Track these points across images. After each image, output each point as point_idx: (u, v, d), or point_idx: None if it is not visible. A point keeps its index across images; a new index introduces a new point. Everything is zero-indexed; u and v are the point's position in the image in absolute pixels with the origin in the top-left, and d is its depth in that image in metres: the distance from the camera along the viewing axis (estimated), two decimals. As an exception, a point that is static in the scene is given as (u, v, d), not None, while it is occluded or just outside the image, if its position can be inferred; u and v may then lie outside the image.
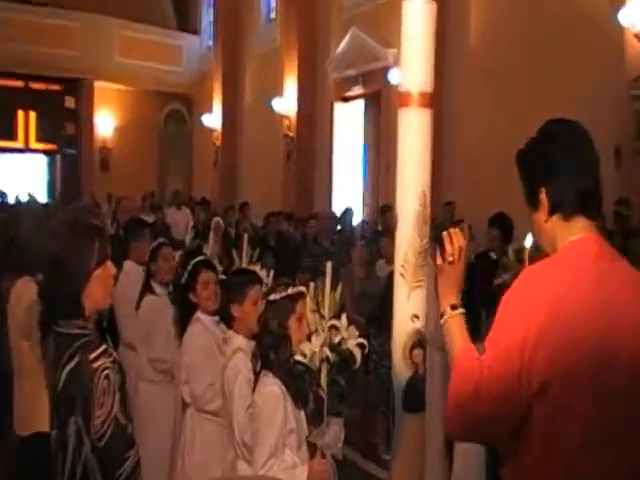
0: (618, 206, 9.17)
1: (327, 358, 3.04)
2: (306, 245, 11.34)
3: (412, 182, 2.80)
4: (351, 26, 16.08)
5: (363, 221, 13.74)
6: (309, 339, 3.23)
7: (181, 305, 4.83)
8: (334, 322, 3.10)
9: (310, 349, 3.10)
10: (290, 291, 3.47)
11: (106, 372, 2.78)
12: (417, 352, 2.91)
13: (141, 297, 5.62)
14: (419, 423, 3.04)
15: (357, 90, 16.30)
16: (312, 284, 3.36)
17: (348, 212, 13.81)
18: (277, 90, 18.48)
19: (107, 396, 2.76)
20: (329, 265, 3.17)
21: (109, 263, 2.85)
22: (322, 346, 3.03)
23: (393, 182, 10.45)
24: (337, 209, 15.17)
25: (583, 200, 2.26)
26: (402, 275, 2.87)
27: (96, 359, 2.78)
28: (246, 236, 6.11)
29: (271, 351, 3.41)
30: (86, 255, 2.75)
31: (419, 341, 2.92)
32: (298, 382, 3.31)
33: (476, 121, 11.67)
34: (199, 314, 4.73)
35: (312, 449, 3.33)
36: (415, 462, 3.06)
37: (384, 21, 14.95)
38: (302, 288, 3.50)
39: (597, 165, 2.29)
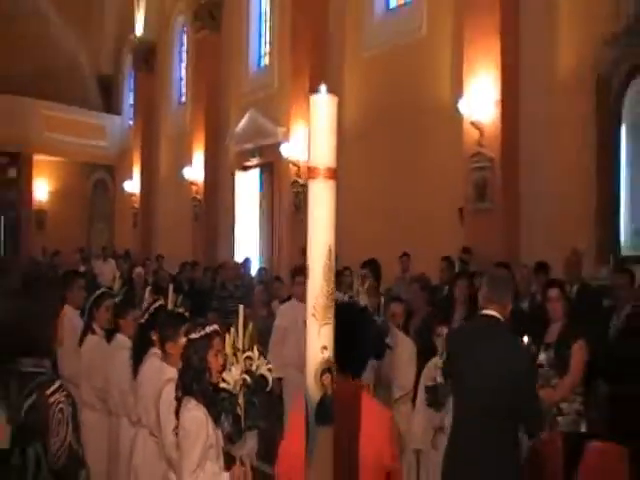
0: (462, 254, 9.54)
1: (245, 382, 3.08)
2: (215, 290, 11.27)
3: (320, 240, 2.84)
4: (249, 108, 16.23)
5: (261, 268, 13.74)
6: (224, 369, 3.30)
7: (141, 342, 4.70)
8: (249, 354, 3.16)
9: (232, 377, 3.14)
10: (208, 330, 3.46)
11: (60, 406, 2.77)
12: (326, 376, 2.93)
13: (83, 336, 5.46)
14: (329, 435, 3.05)
15: (254, 161, 16.43)
16: (234, 325, 3.39)
17: (247, 261, 13.82)
18: (187, 161, 18.41)
19: (61, 426, 2.75)
20: (241, 308, 3.22)
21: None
22: (241, 373, 3.09)
23: (285, 233, 10.60)
24: (238, 259, 15.17)
25: None
26: (314, 315, 2.90)
27: (51, 394, 2.76)
28: (171, 286, 6.07)
29: (194, 381, 3.40)
30: (53, 303, 2.73)
31: (328, 368, 2.94)
32: (219, 405, 3.32)
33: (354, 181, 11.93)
34: (155, 350, 4.63)
35: (232, 459, 3.35)
36: (325, 467, 3.06)
37: (276, 105, 15.21)
38: (216, 326, 3.52)
39: None
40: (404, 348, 5.96)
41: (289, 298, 7.92)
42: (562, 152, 9.19)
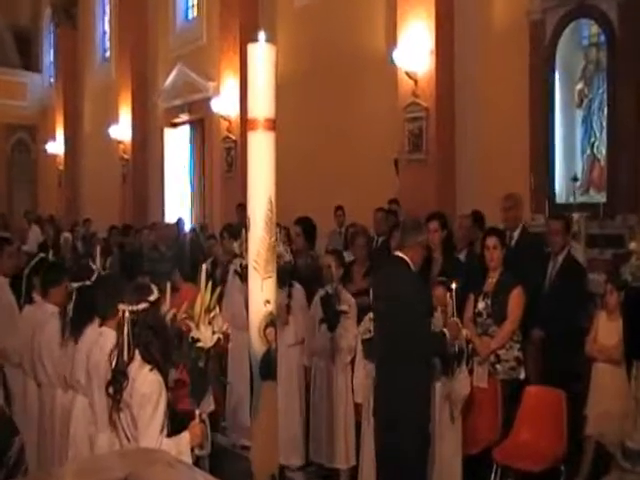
0: (390, 205, 9.70)
1: (219, 341, 3.15)
2: (144, 251, 11.13)
3: (261, 191, 2.89)
4: (177, 63, 15.94)
5: (192, 229, 13.65)
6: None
7: (82, 307, 4.62)
8: (215, 313, 3.23)
9: (204, 336, 3.22)
10: (152, 297, 3.46)
11: None
12: (270, 330, 3.00)
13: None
14: (273, 388, 3.12)
15: (184, 117, 16.20)
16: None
17: (180, 222, 13.70)
18: (113, 119, 18.02)
19: None
20: (204, 267, 3.26)
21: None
22: (213, 333, 3.17)
23: (217, 191, 10.56)
24: (169, 219, 15.04)
25: None
26: (255, 269, 2.95)
27: None
28: (99, 247, 6.00)
29: (153, 347, 3.40)
30: None
31: (271, 321, 3.00)
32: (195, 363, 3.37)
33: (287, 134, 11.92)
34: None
35: (188, 417, 3.39)
36: (271, 420, 3.14)
37: (205, 58, 14.97)
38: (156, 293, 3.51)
39: None
40: (351, 309, 6.05)
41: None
42: (497, 101, 9.35)
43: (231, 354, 6.57)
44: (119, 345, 3.42)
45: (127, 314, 3.39)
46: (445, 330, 4.77)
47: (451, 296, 4.96)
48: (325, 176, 11.82)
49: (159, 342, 3.40)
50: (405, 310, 4.55)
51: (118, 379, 3.41)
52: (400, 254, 4.77)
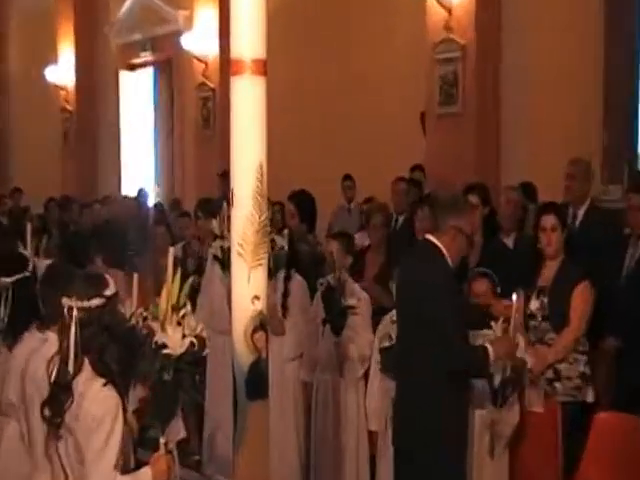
0: (413, 173, 9.72)
1: (192, 347, 3.18)
2: (97, 233, 11.16)
3: (248, 155, 2.92)
4: (135, -14, 15.93)
5: (157, 204, 13.66)
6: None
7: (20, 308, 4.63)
8: (185, 311, 3.25)
9: (172, 340, 3.23)
10: (109, 291, 3.48)
11: None
12: (259, 335, 3.04)
13: None
14: (263, 409, 3.17)
15: (145, 57, 16.14)
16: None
17: (142, 194, 13.71)
18: (51, 58, 17.96)
19: None
20: (171, 251, 3.28)
21: None
22: (183, 336, 3.19)
23: (191, 155, 10.55)
24: (128, 191, 15.06)
25: None
26: (240, 255, 2.99)
27: None
28: (29, 225, 6.02)
29: (109, 354, 3.42)
30: None
31: (261, 323, 3.04)
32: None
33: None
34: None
35: (152, 446, 3.43)
36: (260, 454, 3.19)
37: (174, -21, 14.93)
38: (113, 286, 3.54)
39: None
40: (362, 304, 6.08)
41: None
42: (557, 33, 9.26)
43: (209, 365, 6.57)
44: (62, 352, 3.42)
45: (75, 312, 3.38)
46: (488, 345, 4.69)
47: (517, 303, 4.94)
48: (330, 136, 11.81)
49: (117, 348, 3.41)
50: (432, 313, 4.58)
51: (58, 396, 3.40)
52: (432, 238, 4.77)
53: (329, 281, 6.04)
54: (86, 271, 3.99)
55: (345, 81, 11.67)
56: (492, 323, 5.04)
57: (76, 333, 3.38)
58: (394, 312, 5.44)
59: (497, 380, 4.95)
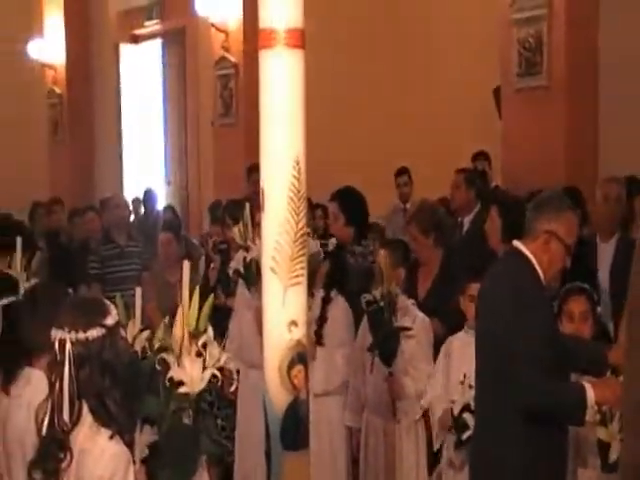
0: (475, 162, 9.76)
1: (214, 382, 3.17)
2: (90, 246, 11.27)
3: (282, 147, 2.93)
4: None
5: (167, 207, 13.74)
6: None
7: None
8: (205, 339, 3.24)
9: (190, 376, 3.23)
10: (110, 320, 3.48)
11: None
12: (298, 370, 3.03)
13: None
14: (303, 464, 3.17)
15: (151, 26, 16.31)
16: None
17: (150, 195, 13.79)
18: (35, 29, 18.13)
19: None
20: (186, 265, 3.28)
21: None
22: (203, 369, 3.18)
23: (208, 147, 10.59)
24: (131, 192, 15.14)
25: None
26: (273, 270, 2.99)
27: None
28: (20, 240, 6.09)
29: (111, 398, 3.44)
30: None
31: (300, 356, 3.04)
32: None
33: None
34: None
35: None
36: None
37: None
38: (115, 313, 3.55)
39: None
40: (420, 326, 6.14)
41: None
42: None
43: (240, 405, 6.59)
44: (54, 396, 3.43)
45: (68, 346, 3.39)
46: (587, 385, 4.55)
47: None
48: (381, 123, 11.82)
49: (120, 390, 3.44)
50: (507, 338, 4.54)
51: (51, 454, 3.40)
52: (519, 246, 4.76)
53: (375, 297, 6.04)
54: (80, 295, 3.97)
55: (398, 54, 11.68)
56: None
57: (71, 373, 3.38)
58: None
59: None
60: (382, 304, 5.94)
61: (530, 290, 4.65)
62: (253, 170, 10.96)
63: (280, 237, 2.95)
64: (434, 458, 5.99)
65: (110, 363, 3.43)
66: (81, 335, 3.40)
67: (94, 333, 3.41)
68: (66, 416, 3.39)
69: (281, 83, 2.89)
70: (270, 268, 2.98)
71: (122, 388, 3.44)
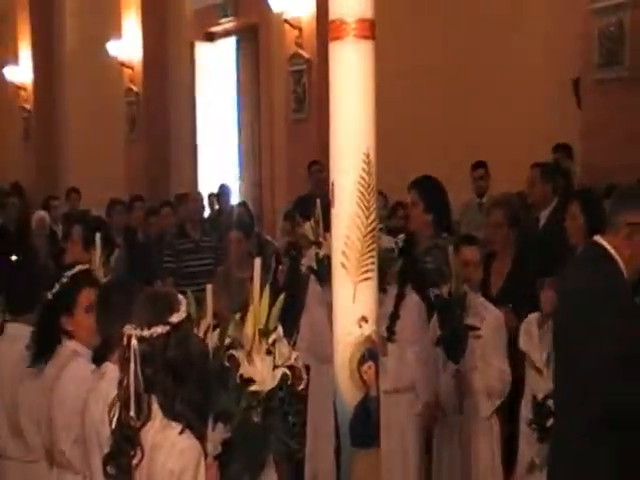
0: (555, 153, 9.61)
1: (286, 380, 3.17)
2: (165, 240, 11.36)
3: (351, 139, 2.89)
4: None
5: (240, 203, 13.77)
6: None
7: (45, 333, 4.81)
8: (275, 336, 3.23)
9: (260, 373, 3.22)
10: (176, 317, 3.45)
11: None
12: (368, 366, 3.00)
13: None
14: (373, 462, 3.13)
15: (226, 23, 16.36)
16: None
17: (224, 190, 13.82)
18: (114, 29, 18.29)
19: None
20: (257, 262, 3.26)
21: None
22: (276, 367, 3.18)
23: (282, 143, 10.58)
24: (205, 189, 15.19)
25: None
26: (343, 266, 2.96)
27: None
28: (98, 236, 6.16)
29: (179, 396, 3.43)
30: None
31: (370, 351, 3.00)
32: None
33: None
34: (76, 346, 4.70)
35: None
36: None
37: None
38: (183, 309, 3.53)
39: None
40: (491, 325, 6.04)
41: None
42: None
43: (311, 402, 6.57)
44: (122, 393, 3.45)
45: (134, 342, 3.39)
46: None
47: None
48: (456, 114, 11.72)
49: (187, 388, 3.42)
50: (588, 338, 4.42)
51: (123, 450, 3.43)
52: (600, 240, 4.58)
53: (442, 293, 6.02)
54: (153, 290, 3.95)
55: (474, 44, 11.56)
56: None
57: (136, 370, 3.38)
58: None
59: None
60: (451, 300, 5.92)
61: (615, 288, 4.50)
62: (316, 165, 11.04)
63: (350, 232, 2.91)
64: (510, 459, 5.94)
65: (174, 361, 3.40)
66: (145, 332, 3.39)
67: (158, 330, 3.40)
68: (132, 412, 3.39)
69: (351, 74, 2.86)
70: (340, 263, 2.95)
71: (190, 386, 3.42)
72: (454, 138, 11.50)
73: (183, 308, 3.49)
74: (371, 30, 2.87)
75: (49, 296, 4.79)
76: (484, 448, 5.97)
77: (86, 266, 5.01)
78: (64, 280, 4.77)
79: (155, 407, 3.41)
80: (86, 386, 4.30)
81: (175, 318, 3.43)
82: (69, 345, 4.70)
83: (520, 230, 7.51)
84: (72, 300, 4.71)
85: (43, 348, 4.76)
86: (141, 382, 3.38)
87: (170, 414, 3.40)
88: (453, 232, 7.57)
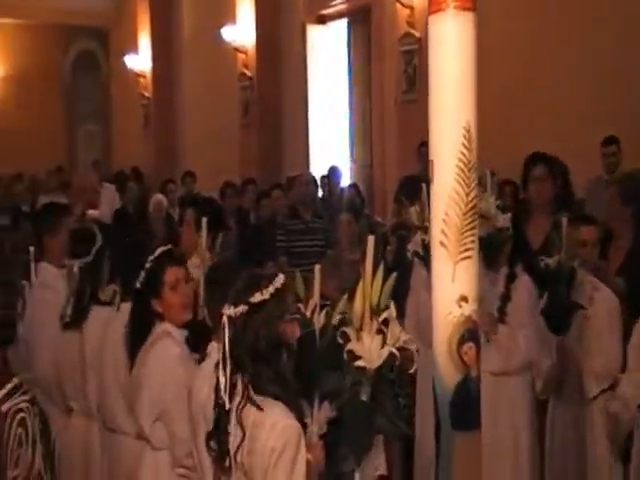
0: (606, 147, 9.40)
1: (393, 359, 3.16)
2: (277, 221, 11.43)
3: (451, 114, 2.82)
4: None
5: (351, 185, 13.76)
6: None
7: (140, 316, 4.89)
8: (387, 315, 3.22)
9: (368, 351, 3.28)
10: (256, 297, 3.44)
11: (21, 415, 2.83)
12: (468, 347, 2.94)
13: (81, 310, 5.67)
14: (473, 446, 3.06)
15: (338, 6, 16.31)
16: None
17: (334, 172, 13.81)
18: (228, 15, 18.42)
19: (25, 448, 2.83)
20: (370, 240, 3.25)
21: None
22: (383, 345, 3.18)
23: (393, 124, 10.53)
24: (317, 171, 15.21)
25: None
26: (442, 244, 2.89)
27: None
28: (205, 220, 6.20)
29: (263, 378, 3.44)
30: None
31: (470, 332, 2.94)
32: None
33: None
34: (167, 327, 4.78)
35: None
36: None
37: None
38: (282, 277, 3.52)
39: None
40: (603, 307, 5.89)
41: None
42: None
43: (419, 385, 6.52)
44: (218, 373, 3.51)
45: (224, 321, 3.44)
46: None
47: None
48: (573, 83, 11.44)
49: (275, 370, 3.43)
50: None
51: (222, 428, 3.49)
52: None
53: (548, 264, 5.92)
54: (253, 270, 3.93)
55: (587, 11, 11.22)
56: None
57: (223, 350, 3.44)
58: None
59: None
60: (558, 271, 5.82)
61: None
62: (422, 146, 10.90)
63: (449, 209, 2.84)
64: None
65: (253, 341, 3.42)
66: (231, 311, 3.44)
67: (238, 310, 3.43)
68: (223, 393, 3.45)
69: (450, 46, 2.78)
70: (439, 242, 2.89)
71: (279, 366, 3.43)
72: (574, 110, 11.12)
73: (270, 289, 3.47)
74: (472, 1, 2.80)
75: (137, 285, 4.88)
76: (601, 435, 5.83)
77: (168, 246, 5.08)
78: (148, 265, 4.85)
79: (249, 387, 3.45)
80: (171, 365, 4.54)
81: (256, 298, 3.44)
82: (161, 326, 4.79)
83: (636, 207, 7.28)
84: (158, 282, 4.81)
85: (139, 335, 4.85)
86: (228, 362, 3.41)
87: (261, 394, 3.42)
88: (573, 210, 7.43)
